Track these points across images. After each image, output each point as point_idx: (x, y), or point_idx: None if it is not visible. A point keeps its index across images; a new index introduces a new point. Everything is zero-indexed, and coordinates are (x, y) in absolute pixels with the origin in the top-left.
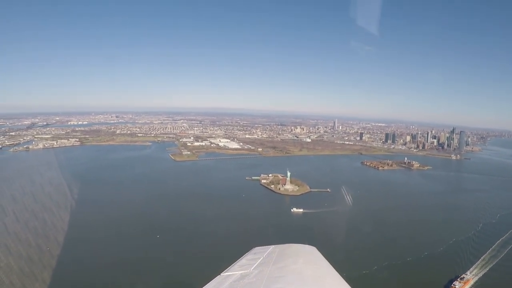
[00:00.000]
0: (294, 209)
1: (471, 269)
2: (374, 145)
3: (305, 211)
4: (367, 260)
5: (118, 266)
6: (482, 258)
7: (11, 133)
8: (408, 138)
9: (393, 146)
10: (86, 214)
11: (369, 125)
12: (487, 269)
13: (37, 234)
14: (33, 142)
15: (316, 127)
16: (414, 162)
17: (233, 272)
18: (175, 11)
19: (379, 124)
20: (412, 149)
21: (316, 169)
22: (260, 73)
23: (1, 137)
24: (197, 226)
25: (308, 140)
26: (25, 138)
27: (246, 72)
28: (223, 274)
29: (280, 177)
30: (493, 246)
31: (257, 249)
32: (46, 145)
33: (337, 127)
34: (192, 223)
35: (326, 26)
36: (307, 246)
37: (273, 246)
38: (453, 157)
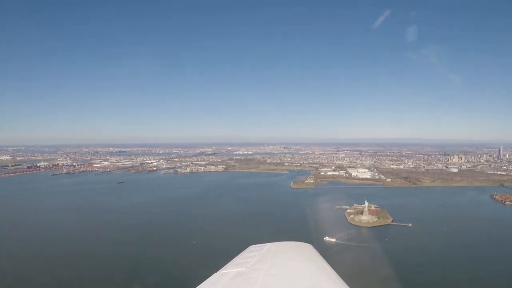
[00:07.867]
0: (327, 238)
1: None
2: None
3: (338, 241)
4: None
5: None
6: None
7: (174, 159)
8: None
9: None
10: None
11: None
12: None
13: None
14: (182, 167)
15: (479, 156)
16: None
17: (230, 270)
18: None
19: None
20: None
21: (426, 201)
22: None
23: (163, 161)
24: (227, 239)
25: (455, 170)
26: (183, 163)
27: (421, 101)
28: (220, 272)
29: (373, 208)
30: None
31: (253, 247)
32: (193, 170)
33: (503, 155)
34: (224, 237)
35: None
36: (303, 243)
37: (269, 243)
38: None
